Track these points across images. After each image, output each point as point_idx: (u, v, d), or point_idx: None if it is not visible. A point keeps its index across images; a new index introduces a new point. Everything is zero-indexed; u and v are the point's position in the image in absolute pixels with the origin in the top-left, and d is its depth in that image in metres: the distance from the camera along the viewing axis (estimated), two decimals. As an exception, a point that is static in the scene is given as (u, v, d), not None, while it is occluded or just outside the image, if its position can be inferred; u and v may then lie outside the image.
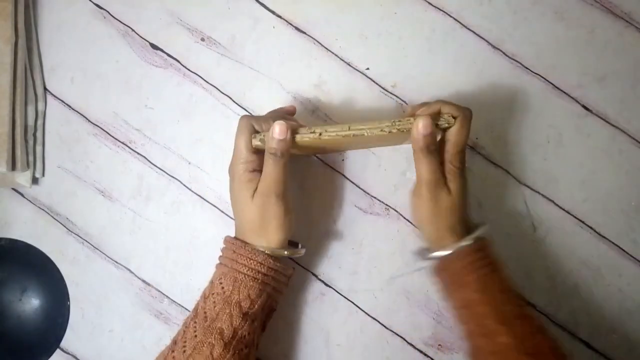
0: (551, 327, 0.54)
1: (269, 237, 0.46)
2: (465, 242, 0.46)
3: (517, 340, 0.43)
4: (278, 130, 0.44)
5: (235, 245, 0.46)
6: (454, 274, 0.47)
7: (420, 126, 0.44)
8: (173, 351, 0.43)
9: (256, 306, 0.45)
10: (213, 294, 0.45)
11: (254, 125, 0.47)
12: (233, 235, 0.49)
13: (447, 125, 0.46)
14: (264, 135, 0.46)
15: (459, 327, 0.48)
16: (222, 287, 0.45)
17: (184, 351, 0.42)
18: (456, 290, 0.47)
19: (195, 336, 0.43)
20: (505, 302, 0.45)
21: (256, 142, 0.46)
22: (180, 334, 0.44)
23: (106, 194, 0.57)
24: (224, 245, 0.48)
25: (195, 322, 0.44)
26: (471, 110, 0.47)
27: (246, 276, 0.45)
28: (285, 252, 0.47)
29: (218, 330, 0.43)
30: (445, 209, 0.47)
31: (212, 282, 0.46)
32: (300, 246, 0.51)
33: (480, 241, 0.47)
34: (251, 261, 0.45)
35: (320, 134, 0.45)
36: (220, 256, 0.48)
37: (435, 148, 0.45)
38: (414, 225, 0.54)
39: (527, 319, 0.45)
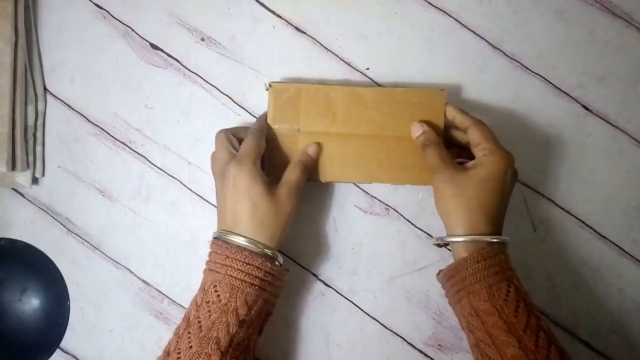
0: (551, 327, 0.54)
1: (273, 235, 0.45)
2: (485, 239, 0.44)
3: (527, 353, 0.41)
4: (313, 149, 0.51)
5: (229, 249, 0.44)
6: (465, 278, 0.44)
7: (414, 128, 0.51)
8: None
9: (253, 312, 0.44)
10: (208, 302, 0.43)
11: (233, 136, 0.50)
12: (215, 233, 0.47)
13: None
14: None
15: (466, 335, 0.46)
16: (218, 295, 0.43)
17: None
18: (466, 297, 0.44)
19: (191, 347, 0.42)
20: (517, 313, 0.43)
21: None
22: (172, 344, 0.43)
23: (106, 194, 0.57)
24: (212, 250, 0.46)
25: (189, 332, 0.42)
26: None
27: (243, 282, 0.43)
28: (276, 254, 0.46)
29: (214, 340, 0.42)
30: (454, 190, 0.46)
31: (204, 290, 0.44)
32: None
33: (500, 246, 0.45)
34: (248, 266, 0.44)
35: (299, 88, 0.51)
36: (209, 261, 0.46)
37: (430, 142, 0.49)
38: (439, 216, 0.49)
39: (540, 331, 0.43)
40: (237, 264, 0.44)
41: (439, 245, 0.53)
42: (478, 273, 0.44)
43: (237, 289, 0.43)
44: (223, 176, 0.47)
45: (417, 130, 0.50)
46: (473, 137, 0.48)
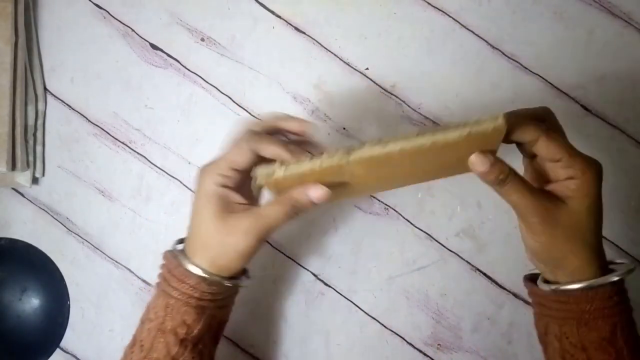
0: (550, 326, 0.54)
1: (212, 262, 0.40)
2: (608, 279, 0.38)
3: None
4: (318, 195, 0.39)
5: (171, 263, 0.41)
6: (581, 311, 0.38)
7: (475, 164, 0.37)
8: None
9: (196, 331, 0.40)
10: (148, 319, 0.41)
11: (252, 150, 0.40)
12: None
13: None
14: (282, 171, 0.38)
15: (544, 349, 0.42)
16: (156, 312, 0.40)
17: None
18: (575, 325, 0.39)
19: None
20: (630, 353, 0.38)
21: (265, 179, 0.38)
22: None
23: (106, 194, 0.57)
24: (162, 260, 0.42)
25: (132, 352, 0.40)
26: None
27: (177, 301, 0.40)
28: (228, 284, 0.41)
29: None
30: (564, 230, 0.38)
31: (147, 306, 0.42)
32: (247, 274, 0.45)
33: (621, 282, 0.39)
34: (182, 285, 0.39)
35: (348, 155, 0.36)
36: (159, 274, 0.42)
37: (505, 175, 0.38)
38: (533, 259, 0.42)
39: None
40: (173, 281, 0.40)
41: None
42: (606, 309, 0.38)
43: (171, 307, 0.40)
44: (211, 200, 0.41)
45: (481, 165, 0.37)
46: (548, 151, 0.38)
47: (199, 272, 0.40)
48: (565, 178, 0.38)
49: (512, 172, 0.38)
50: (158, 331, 0.40)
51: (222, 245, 0.40)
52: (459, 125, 0.35)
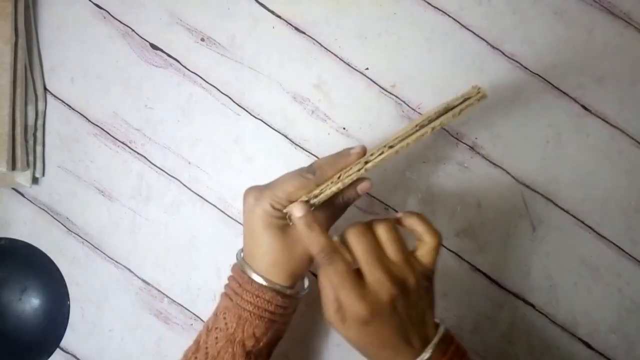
0: (550, 327, 0.54)
1: (288, 274, 0.43)
2: (429, 351, 0.39)
3: None
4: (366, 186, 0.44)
5: (242, 278, 0.43)
6: None
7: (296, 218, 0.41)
8: None
9: (262, 344, 0.42)
10: (216, 328, 0.43)
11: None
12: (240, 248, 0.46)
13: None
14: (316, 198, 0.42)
15: None
16: (226, 323, 0.42)
17: None
18: None
19: None
20: None
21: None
22: None
23: (106, 194, 0.57)
24: (231, 274, 0.45)
25: (196, 358, 0.42)
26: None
27: (252, 314, 0.42)
28: (302, 292, 0.45)
29: None
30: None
31: (215, 315, 0.44)
32: (306, 282, 0.47)
33: (446, 339, 0.40)
34: (258, 299, 0.42)
35: (364, 165, 0.41)
36: (226, 285, 0.45)
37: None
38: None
39: None
40: (247, 295, 0.42)
41: None
42: None
43: (244, 320, 0.42)
44: (244, 199, 0.44)
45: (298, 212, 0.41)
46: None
47: (276, 287, 0.42)
48: None
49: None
50: (227, 341, 0.42)
51: (291, 256, 0.42)
52: (447, 107, 0.41)
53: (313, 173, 0.43)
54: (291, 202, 0.42)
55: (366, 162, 0.41)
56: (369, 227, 0.40)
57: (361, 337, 0.39)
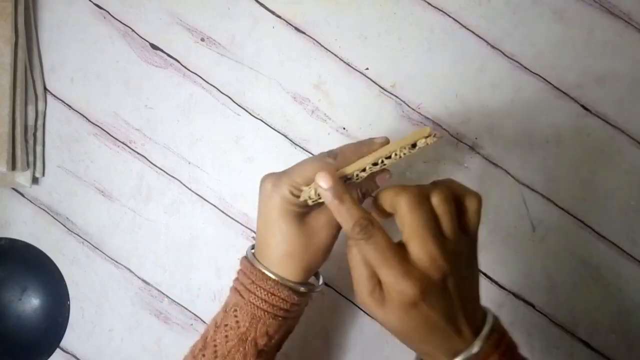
0: (550, 327, 0.54)
1: (304, 268, 0.40)
2: (472, 350, 0.35)
3: None
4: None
5: (255, 275, 0.40)
6: None
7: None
8: None
9: (273, 341, 0.41)
10: (226, 325, 0.40)
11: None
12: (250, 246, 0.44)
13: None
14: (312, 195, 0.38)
15: None
16: (237, 321, 0.40)
17: None
18: None
19: None
20: None
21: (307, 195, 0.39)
22: None
23: (106, 194, 0.57)
24: (240, 269, 0.42)
25: (204, 356, 0.40)
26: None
27: (266, 313, 0.39)
28: (317, 289, 0.43)
29: None
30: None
31: (225, 311, 0.41)
32: (320, 279, 0.45)
33: (497, 330, 0.36)
34: (273, 297, 0.39)
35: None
36: (236, 280, 0.42)
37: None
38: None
39: None
40: (261, 293, 0.40)
41: None
42: None
43: (258, 318, 0.40)
44: (261, 186, 0.41)
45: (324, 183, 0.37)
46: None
47: (289, 284, 0.40)
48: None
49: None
50: (239, 340, 0.39)
51: (308, 247, 0.40)
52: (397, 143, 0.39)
53: (334, 158, 0.40)
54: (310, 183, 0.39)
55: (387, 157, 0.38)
56: (425, 196, 0.35)
57: (405, 321, 0.35)
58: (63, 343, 0.56)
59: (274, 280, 0.40)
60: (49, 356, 0.55)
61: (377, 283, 0.35)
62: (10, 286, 0.56)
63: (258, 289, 0.40)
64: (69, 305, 0.56)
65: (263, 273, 0.40)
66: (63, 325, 0.56)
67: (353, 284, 0.36)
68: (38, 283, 0.56)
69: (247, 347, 0.39)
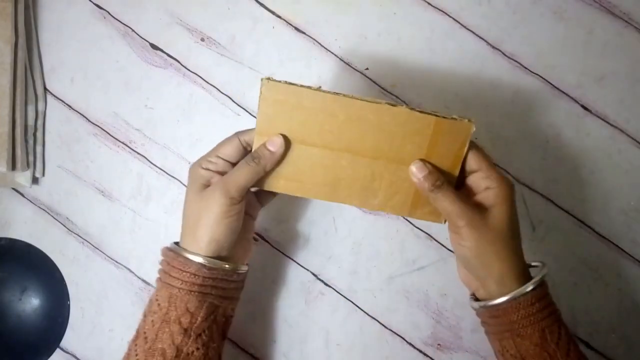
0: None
1: (199, 241, 0.42)
2: (527, 288, 0.41)
3: None
4: (275, 144, 0.42)
5: (169, 256, 0.43)
6: (511, 322, 0.41)
7: (415, 171, 0.42)
8: None
9: (199, 319, 0.41)
10: (151, 312, 0.42)
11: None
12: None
13: None
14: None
15: None
16: (159, 304, 0.42)
17: None
18: (511, 338, 0.42)
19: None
20: (569, 357, 0.41)
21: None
22: (124, 357, 0.42)
23: (106, 194, 0.57)
24: (161, 257, 0.44)
25: (136, 345, 0.41)
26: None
27: (180, 290, 0.41)
28: (226, 266, 0.43)
29: (160, 352, 0.40)
30: (488, 234, 0.42)
31: (150, 301, 0.43)
32: (245, 267, 0.46)
33: (542, 286, 0.42)
34: (184, 273, 0.41)
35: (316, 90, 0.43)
36: (159, 269, 0.44)
37: (442, 182, 0.42)
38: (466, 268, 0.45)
39: None
40: (174, 272, 0.42)
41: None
42: (531, 317, 0.41)
43: (175, 297, 0.41)
44: (193, 182, 0.44)
45: (419, 172, 0.42)
46: (471, 162, 0.43)
47: (198, 258, 0.42)
48: (484, 188, 0.43)
49: (445, 182, 0.42)
50: (162, 322, 0.41)
51: (201, 217, 0.42)
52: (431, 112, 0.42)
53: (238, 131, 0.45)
54: (220, 157, 0.43)
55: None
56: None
57: (511, 221, 0.42)
58: (63, 343, 0.56)
59: (183, 257, 0.42)
60: (49, 356, 0.55)
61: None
62: (10, 286, 0.56)
63: (172, 269, 0.42)
64: (69, 305, 0.56)
65: (173, 252, 0.43)
66: (63, 325, 0.56)
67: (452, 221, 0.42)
68: (38, 283, 0.56)
69: (171, 327, 0.41)
